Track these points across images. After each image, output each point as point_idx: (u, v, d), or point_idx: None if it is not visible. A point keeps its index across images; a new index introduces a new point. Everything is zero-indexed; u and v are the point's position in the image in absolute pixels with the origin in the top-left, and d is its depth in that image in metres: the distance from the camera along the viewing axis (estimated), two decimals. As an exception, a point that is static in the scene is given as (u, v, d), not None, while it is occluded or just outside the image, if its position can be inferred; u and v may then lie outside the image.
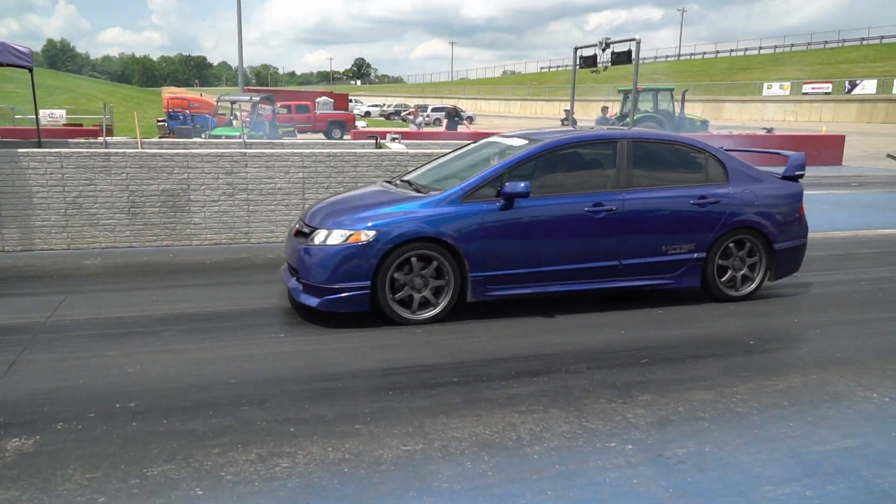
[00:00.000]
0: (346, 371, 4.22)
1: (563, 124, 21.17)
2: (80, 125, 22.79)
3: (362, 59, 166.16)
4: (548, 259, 5.35)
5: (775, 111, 53.24)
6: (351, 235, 4.99)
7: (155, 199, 7.69)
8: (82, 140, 11.93)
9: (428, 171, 6.15)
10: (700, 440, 3.36)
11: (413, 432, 3.39)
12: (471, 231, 5.11)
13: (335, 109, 36.47)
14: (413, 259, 5.04)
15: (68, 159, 7.45)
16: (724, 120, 47.47)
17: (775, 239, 5.89)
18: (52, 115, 24.71)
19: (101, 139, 12.44)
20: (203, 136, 18.35)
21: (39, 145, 9.29)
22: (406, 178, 6.11)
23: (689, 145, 6.02)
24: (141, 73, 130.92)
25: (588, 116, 21.12)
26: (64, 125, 22.43)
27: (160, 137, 18.69)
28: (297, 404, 3.70)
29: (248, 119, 19.71)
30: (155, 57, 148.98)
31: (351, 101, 47.61)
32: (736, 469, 3.09)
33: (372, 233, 4.97)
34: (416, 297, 5.11)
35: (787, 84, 56.17)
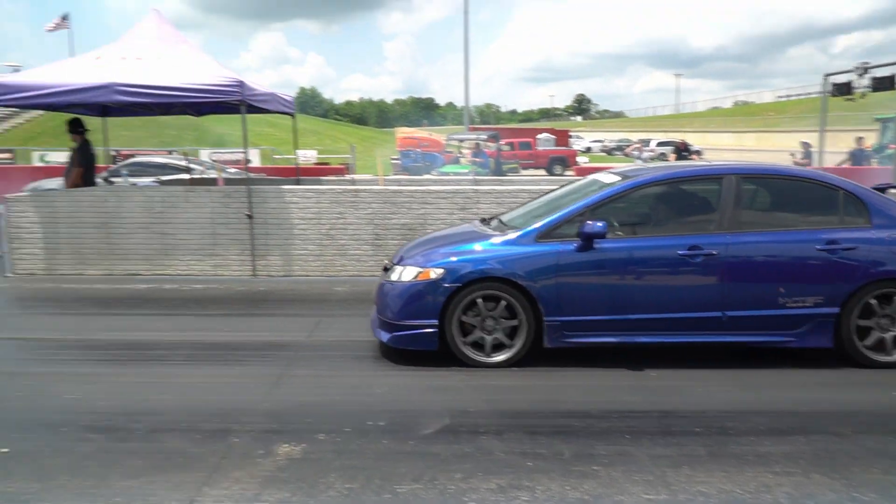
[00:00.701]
0: (580, 409, 4.18)
1: (794, 157, 19.38)
2: (328, 164, 25.37)
3: (583, 95, 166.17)
4: (634, 306, 4.88)
5: None
6: (420, 272, 4.97)
7: (396, 231, 8.30)
8: (333, 178, 13.24)
9: (527, 210, 5.85)
10: None
11: (654, 481, 3.25)
12: (545, 273, 4.84)
13: (556, 146, 36.84)
14: (480, 300, 4.88)
15: (324, 195, 8.32)
16: None
17: None
18: (305, 156, 27.80)
19: (348, 177, 13.74)
20: (433, 172, 19.51)
21: (298, 183, 10.48)
22: (505, 216, 5.92)
23: (815, 181, 5.19)
24: (377, 115, 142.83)
25: (836, 148, 19.14)
26: (314, 164, 25.10)
27: (393, 175, 20.16)
28: (533, 439, 3.73)
29: (475, 156, 20.58)
30: (389, 100, 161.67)
31: (571, 136, 47.80)
32: None
33: (440, 270, 4.92)
34: (489, 339, 4.92)
35: None
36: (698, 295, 4.88)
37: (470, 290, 4.88)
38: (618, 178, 5.37)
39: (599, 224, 4.75)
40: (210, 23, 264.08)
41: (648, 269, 4.91)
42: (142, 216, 8.31)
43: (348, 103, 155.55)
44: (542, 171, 30.09)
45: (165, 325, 6.26)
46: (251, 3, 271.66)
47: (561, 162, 31.94)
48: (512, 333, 4.93)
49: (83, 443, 3.70)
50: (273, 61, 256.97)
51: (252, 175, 10.08)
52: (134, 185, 11.15)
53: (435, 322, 4.91)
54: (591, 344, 4.97)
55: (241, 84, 7.80)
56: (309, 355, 5.27)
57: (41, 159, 29.29)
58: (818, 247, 4.85)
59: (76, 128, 9.08)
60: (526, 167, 29.84)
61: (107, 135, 11.23)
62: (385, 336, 5.11)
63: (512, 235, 5.07)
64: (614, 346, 5.01)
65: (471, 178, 13.53)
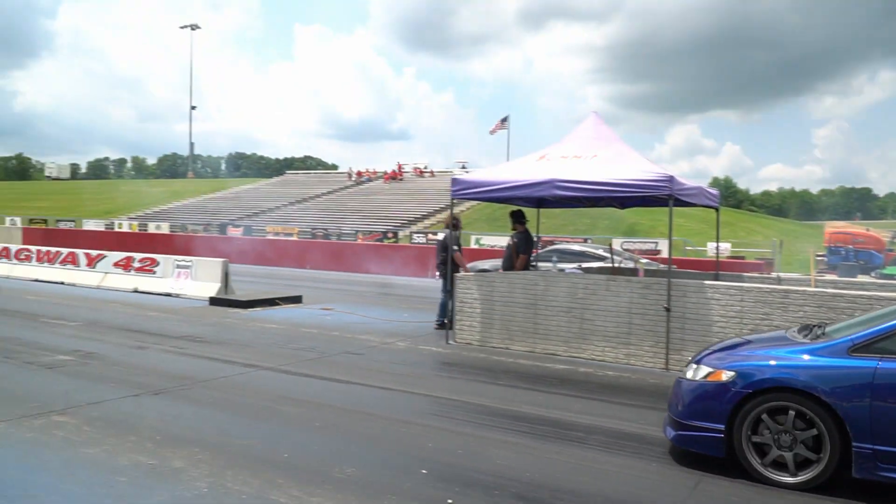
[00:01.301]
0: None
1: None
2: (742, 258, 24.03)
3: None
4: None
5: None
6: (711, 373, 4.81)
7: (831, 340, 7.35)
8: (755, 275, 12.45)
9: (861, 320, 5.10)
10: None
11: None
12: (855, 391, 4.29)
13: None
14: (768, 412, 4.53)
15: (748, 293, 7.84)
16: None
17: None
18: (716, 248, 26.76)
19: (774, 275, 12.78)
20: (872, 274, 16.96)
21: (717, 277, 10.09)
22: (833, 325, 5.30)
23: None
24: (798, 207, 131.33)
25: None
26: (727, 257, 24.01)
27: (818, 272, 18.08)
28: None
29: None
30: (814, 190, 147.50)
31: None
32: None
33: (731, 373, 4.72)
34: (788, 455, 4.47)
35: None
36: None
37: (763, 398, 4.58)
38: None
39: None
40: (629, 117, 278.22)
41: None
42: (565, 300, 8.92)
43: (765, 193, 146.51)
44: None
45: (581, 407, 6.52)
46: (669, 99, 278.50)
47: None
48: (816, 447, 4.45)
49: (514, 510, 4.01)
50: (686, 152, 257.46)
51: (673, 268, 10.09)
52: (561, 270, 12.08)
53: (721, 427, 4.68)
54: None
55: (671, 179, 7.95)
56: (727, 464, 4.91)
57: (477, 242, 33.88)
58: None
59: (520, 218, 10.30)
60: None
61: (539, 224, 12.46)
62: (671, 433, 5.04)
63: (820, 344, 4.70)
64: None
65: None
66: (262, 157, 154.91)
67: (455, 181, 9.73)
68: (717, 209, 10.62)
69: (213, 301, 13.55)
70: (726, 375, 4.76)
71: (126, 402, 6.05)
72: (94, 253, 17.02)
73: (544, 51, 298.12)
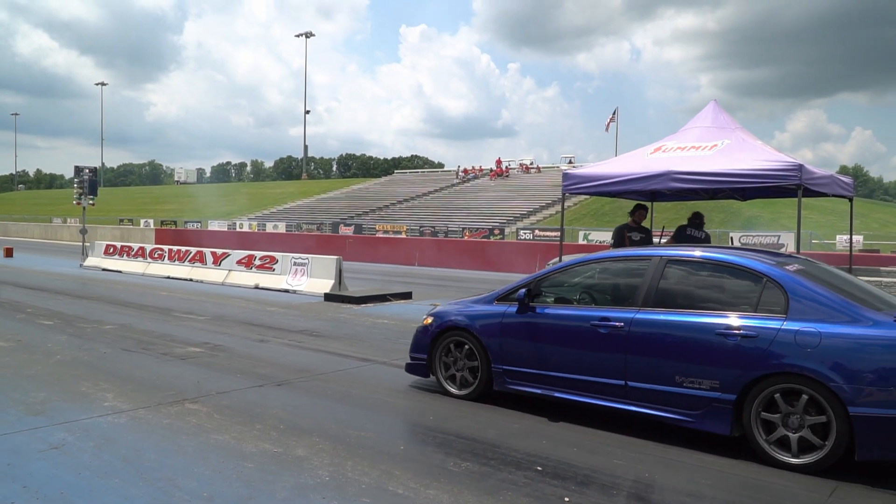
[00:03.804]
0: None
1: None
2: (877, 251, 22.30)
3: None
4: (553, 365, 5.63)
5: None
6: (424, 320, 6.74)
7: None
8: (894, 269, 11.50)
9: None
10: None
11: None
12: (492, 327, 6.02)
13: None
14: (452, 344, 6.34)
15: (891, 291, 7.24)
16: None
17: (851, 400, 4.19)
18: (847, 241, 25.03)
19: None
20: None
21: (850, 272, 9.39)
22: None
23: (742, 267, 5.00)
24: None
25: None
26: (860, 251, 22.37)
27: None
28: None
29: None
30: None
31: None
32: None
33: (430, 319, 6.61)
34: (458, 375, 6.31)
35: None
36: (605, 362, 5.33)
37: (445, 335, 6.47)
38: (571, 258, 6.82)
39: (521, 292, 5.82)
40: (744, 105, 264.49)
41: (565, 334, 5.64)
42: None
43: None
44: None
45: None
46: (790, 83, 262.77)
47: None
48: (473, 371, 6.25)
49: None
50: (809, 139, 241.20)
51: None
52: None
53: (425, 356, 6.77)
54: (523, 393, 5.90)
55: (800, 167, 7.47)
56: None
57: (584, 238, 33.28)
58: (717, 331, 4.79)
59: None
60: None
61: (653, 218, 12.05)
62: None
63: (483, 295, 6.45)
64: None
65: None
66: (370, 158, 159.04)
67: (566, 176, 9.57)
68: (850, 199, 9.90)
69: (328, 297, 14.02)
70: (428, 321, 6.56)
71: (251, 392, 6.35)
72: (219, 252, 18.05)
73: (653, 39, 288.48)
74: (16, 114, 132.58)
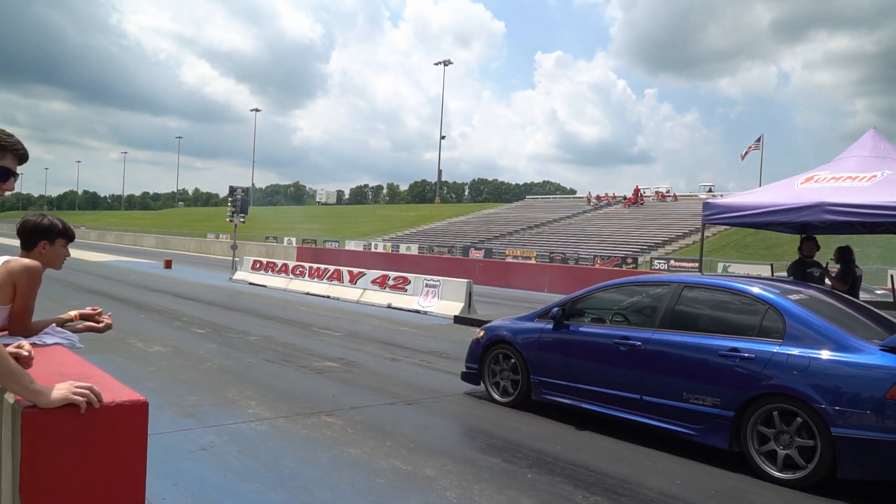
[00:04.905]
0: None
1: None
2: None
3: None
4: (581, 378, 6.20)
5: None
6: (477, 333, 7.58)
7: None
8: None
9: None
10: None
11: None
12: (531, 342, 6.69)
13: None
14: (500, 356, 6.99)
15: None
16: None
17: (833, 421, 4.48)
18: None
19: None
20: None
21: None
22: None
23: (747, 294, 5.45)
24: None
25: None
26: None
27: None
28: None
29: None
30: None
31: None
32: None
33: (482, 332, 7.31)
34: (503, 383, 6.96)
35: None
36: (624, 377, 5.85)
37: (494, 347, 7.18)
38: (608, 283, 6.80)
39: (554, 310, 6.46)
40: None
41: (591, 350, 6.18)
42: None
43: None
44: None
45: None
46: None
47: None
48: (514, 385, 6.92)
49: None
50: None
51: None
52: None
53: (476, 365, 7.47)
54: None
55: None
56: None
57: (724, 269, 31.67)
58: (720, 353, 5.18)
59: (848, 255, 8.67)
60: None
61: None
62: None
63: (527, 313, 7.13)
64: None
65: None
66: (502, 183, 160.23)
67: (707, 205, 9.20)
68: None
69: (457, 319, 14.22)
70: (481, 334, 7.24)
71: (383, 409, 6.55)
72: (355, 270, 18.83)
73: (802, 62, 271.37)
74: (180, 137, 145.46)
